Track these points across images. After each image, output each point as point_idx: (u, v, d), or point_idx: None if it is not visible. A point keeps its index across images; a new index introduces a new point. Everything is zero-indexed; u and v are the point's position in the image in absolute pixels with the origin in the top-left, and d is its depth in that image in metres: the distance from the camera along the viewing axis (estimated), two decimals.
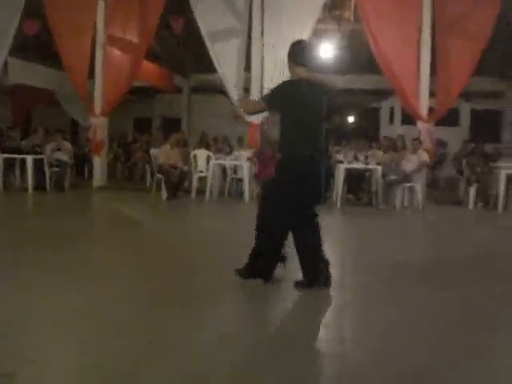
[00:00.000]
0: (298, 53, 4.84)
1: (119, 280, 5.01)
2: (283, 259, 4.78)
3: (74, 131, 19.71)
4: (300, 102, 4.68)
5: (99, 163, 13.45)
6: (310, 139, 4.70)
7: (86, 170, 15.60)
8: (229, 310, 4.28)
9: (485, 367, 3.25)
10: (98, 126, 13.28)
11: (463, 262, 6.26)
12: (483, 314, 4.31)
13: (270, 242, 4.67)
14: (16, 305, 4.11)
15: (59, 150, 12.68)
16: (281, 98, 4.73)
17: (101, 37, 13.04)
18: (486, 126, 19.52)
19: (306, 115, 4.68)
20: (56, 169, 12.45)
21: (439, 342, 3.65)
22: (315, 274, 4.65)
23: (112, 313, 4.02)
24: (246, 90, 12.64)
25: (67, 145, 13.14)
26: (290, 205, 4.61)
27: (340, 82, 13.03)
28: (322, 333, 3.93)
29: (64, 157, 12.65)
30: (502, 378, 3.14)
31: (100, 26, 13.02)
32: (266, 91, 4.68)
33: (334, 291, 4.66)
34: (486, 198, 11.34)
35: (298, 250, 4.70)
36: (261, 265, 4.69)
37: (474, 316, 4.25)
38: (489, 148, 14.81)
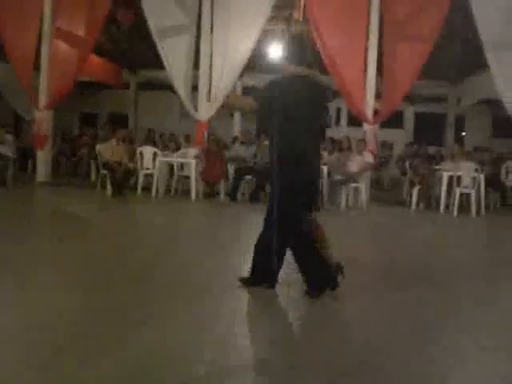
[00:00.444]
0: (295, 50, 4.59)
1: (44, 286, 4.59)
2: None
3: (17, 125, 19.22)
4: (299, 101, 4.41)
5: (43, 158, 13.17)
6: (305, 144, 4.42)
7: (30, 165, 15.24)
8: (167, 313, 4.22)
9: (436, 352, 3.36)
10: (42, 119, 13.01)
11: (402, 262, 6.42)
12: (424, 308, 4.42)
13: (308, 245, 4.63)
14: None
15: (1, 143, 12.37)
16: (277, 96, 4.36)
17: (47, 28, 12.76)
18: (429, 129, 20.00)
19: (303, 116, 4.41)
20: None
21: (393, 332, 3.83)
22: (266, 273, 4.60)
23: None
24: (194, 88, 12.58)
25: (10, 138, 12.83)
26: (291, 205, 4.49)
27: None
28: (273, 328, 3.94)
29: (6, 151, 12.35)
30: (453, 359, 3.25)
31: (47, 17, 12.74)
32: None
33: (280, 288, 4.68)
34: (428, 199, 11.60)
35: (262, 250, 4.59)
36: (324, 272, 4.58)
37: (419, 309, 4.36)
38: (432, 150, 15.18)
